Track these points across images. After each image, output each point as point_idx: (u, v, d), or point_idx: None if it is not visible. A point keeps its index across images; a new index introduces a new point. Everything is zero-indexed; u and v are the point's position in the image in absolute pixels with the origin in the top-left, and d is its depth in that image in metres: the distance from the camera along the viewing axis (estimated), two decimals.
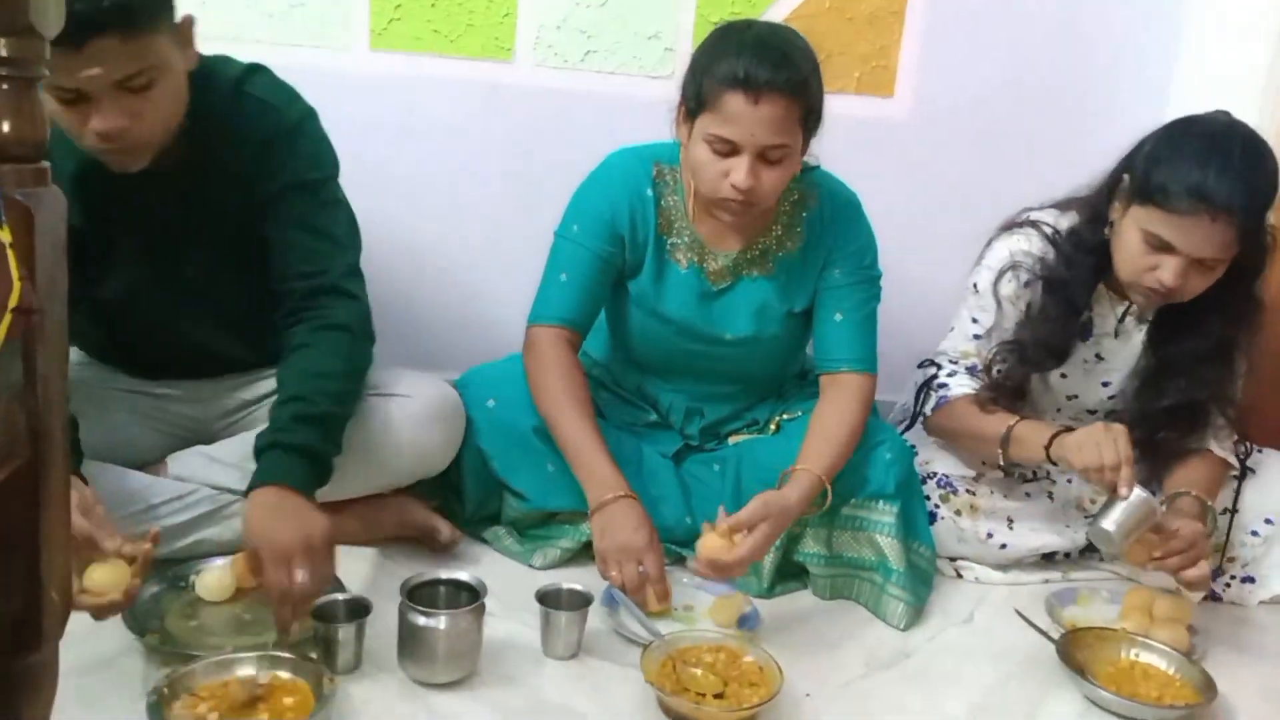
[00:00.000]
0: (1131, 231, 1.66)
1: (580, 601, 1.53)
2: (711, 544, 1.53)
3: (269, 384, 1.78)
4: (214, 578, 1.52)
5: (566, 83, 2.21)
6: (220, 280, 1.63)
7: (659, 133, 1.79)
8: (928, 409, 1.89)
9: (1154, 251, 1.64)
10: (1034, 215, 1.84)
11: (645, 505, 1.70)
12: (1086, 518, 1.92)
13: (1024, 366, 1.82)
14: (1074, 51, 2.31)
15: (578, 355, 1.76)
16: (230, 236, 1.59)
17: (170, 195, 1.54)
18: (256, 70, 1.59)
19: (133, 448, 1.67)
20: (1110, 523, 1.61)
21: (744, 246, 1.76)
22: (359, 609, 1.43)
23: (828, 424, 1.70)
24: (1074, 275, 1.76)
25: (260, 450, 1.45)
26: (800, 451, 1.66)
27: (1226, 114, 1.68)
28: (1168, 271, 1.62)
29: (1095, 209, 1.76)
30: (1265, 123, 2.03)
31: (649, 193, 1.75)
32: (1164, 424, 1.81)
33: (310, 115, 1.62)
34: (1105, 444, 1.61)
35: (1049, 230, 1.81)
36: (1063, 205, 1.84)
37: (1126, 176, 1.69)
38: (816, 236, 1.76)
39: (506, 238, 2.26)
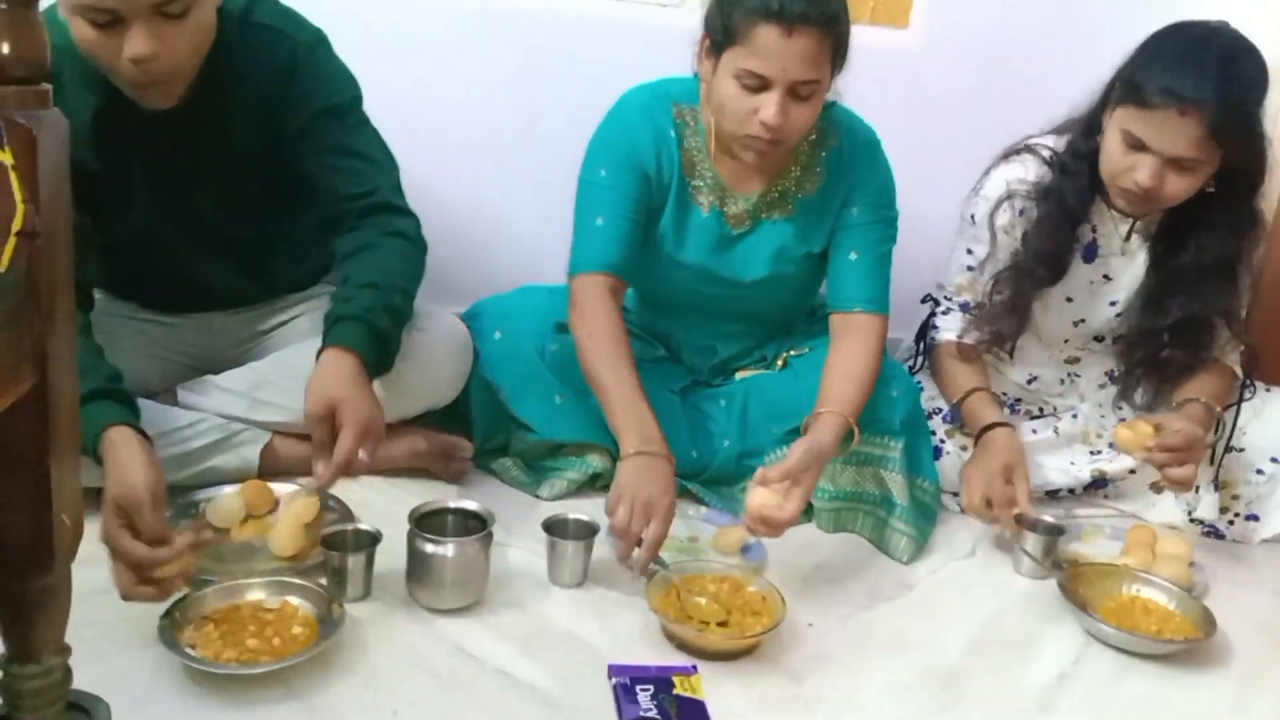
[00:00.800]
0: (1113, 132, 1.67)
1: (587, 531, 1.54)
2: (762, 499, 1.47)
3: (278, 316, 1.80)
4: (224, 504, 1.54)
5: (571, 6, 2.16)
6: (235, 217, 1.62)
7: (666, 62, 1.76)
8: (926, 346, 1.90)
9: (1131, 151, 1.65)
10: (1033, 141, 1.83)
11: None
12: (1092, 453, 1.93)
13: (1023, 282, 1.81)
14: None
15: (621, 304, 1.70)
16: (247, 172, 1.58)
17: (186, 133, 1.52)
18: (259, 0, 1.56)
19: (141, 376, 1.66)
20: (1025, 570, 1.70)
21: (764, 189, 1.74)
22: (368, 539, 1.45)
23: (847, 365, 1.67)
24: (1069, 183, 1.76)
25: (336, 318, 1.45)
26: (821, 394, 1.64)
27: (1222, 22, 1.67)
28: (1144, 171, 1.63)
29: (1090, 119, 1.76)
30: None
31: (672, 134, 1.71)
32: (1168, 341, 1.83)
33: (323, 39, 1.59)
34: (991, 489, 1.72)
35: (1046, 154, 1.80)
36: (1061, 128, 1.83)
37: (1115, 84, 1.70)
38: (835, 176, 1.74)
39: (510, 165, 2.23)
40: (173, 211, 1.59)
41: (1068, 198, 1.77)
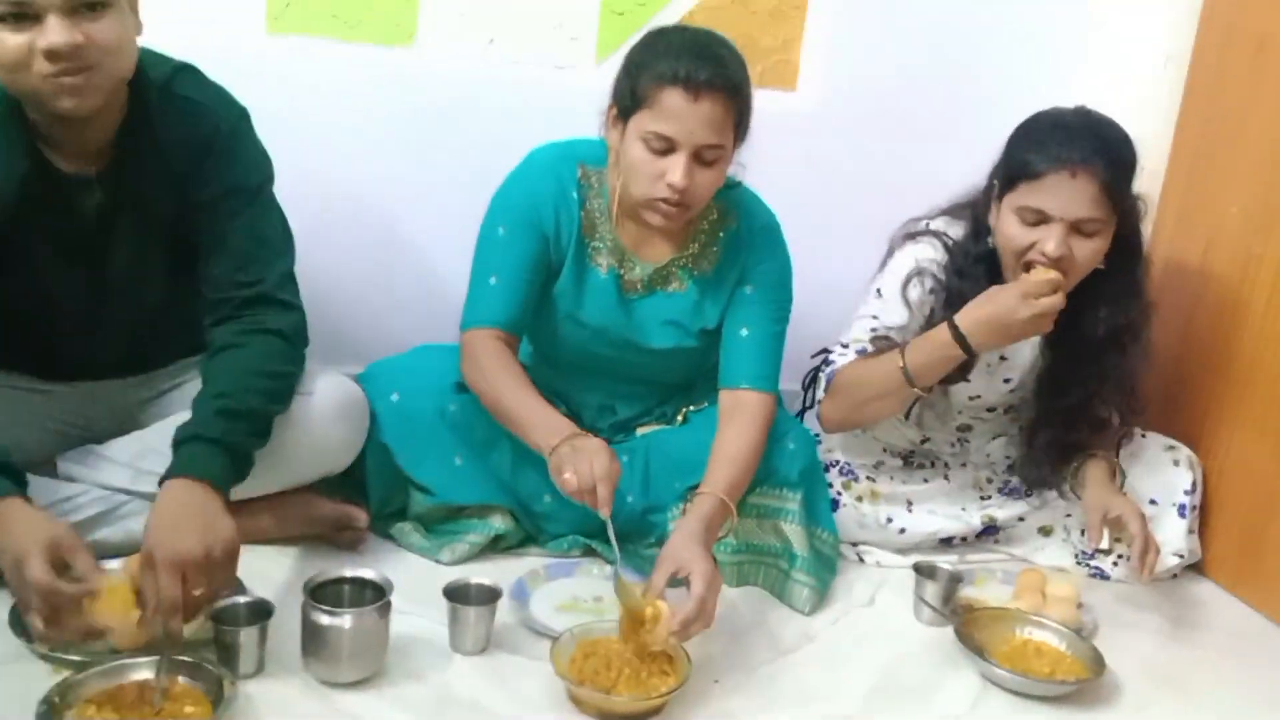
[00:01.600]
0: (1008, 219, 1.71)
1: (489, 596, 1.52)
2: (662, 627, 1.41)
3: (162, 383, 1.74)
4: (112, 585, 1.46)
5: (470, 70, 2.17)
6: (140, 284, 1.58)
7: (564, 122, 1.79)
8: (820, 394, 1.91)
9: (1032, 227, 1.68)
10: (930, 224, 1.86)
11: (555, 495, 1.72)
12: (982, 498, 1.98)
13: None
14: (976, 40, 2.37)
15: (514, 356, 1.72)
16: (156, 240, 1.55)
17: (98, 196, 1.49)
18: (185, 69, 1.54)
19: (19, 447, 1.57)
20: (925, 618, 1.73)
21: (663, 263, 1.76)
22: (261, 611, 1.40)
23: (730, 447, 1.67)
24: (967, 287, 1.77)
25: (180, 442, 1.41)
26: (705, 474, 1.65)
27: (1082, 106, 1.75)
28: (1050, 241, 1.66)
29: (977, 221, 1.80)
30: (1154, 135, 2.12)
31: (574, 194, 1.72)
32: (1070, 422, 1.87)
33: (244, 117, 1.58)
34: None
35: (947, 240, 1.83)
36: (952, 212, 1.87)
37: (995, 181, 1.75)
38: (732, 256, 1.76)
39: (410, 227, 2.22)
40: (76, 278, 1.54)
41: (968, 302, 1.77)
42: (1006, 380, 1.93)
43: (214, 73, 1.61)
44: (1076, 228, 1.66)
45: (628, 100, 1.58)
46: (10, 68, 1.34)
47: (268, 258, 1.58)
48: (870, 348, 1.85)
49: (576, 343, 1.81)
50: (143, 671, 1.29)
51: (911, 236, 1.87)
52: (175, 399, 1.72)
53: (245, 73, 1.69)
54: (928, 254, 1.83)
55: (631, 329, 1.79)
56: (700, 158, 1.56)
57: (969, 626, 1.65)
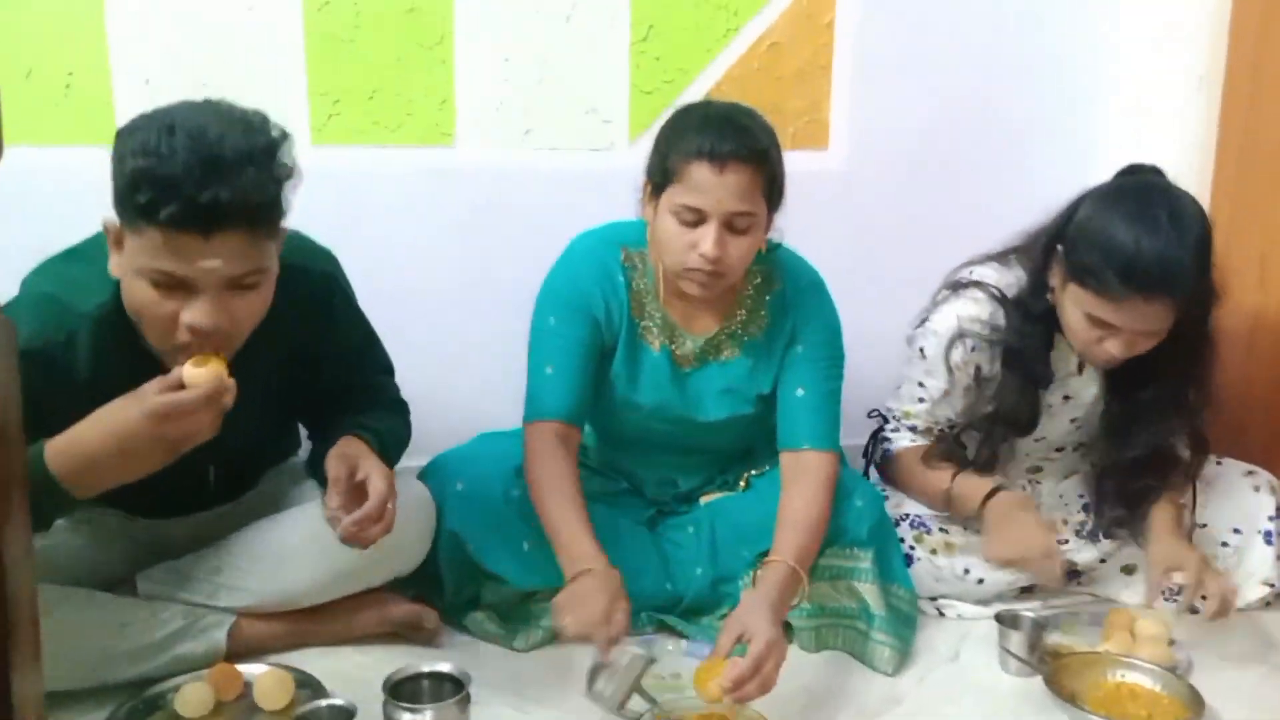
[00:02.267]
0: (1073, 309, 1.69)
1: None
2: (712, 676, 1.41)
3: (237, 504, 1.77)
4: (192, 692, 1.49)
5: (509, 162, 2.23)
6: (245, 432, 1.54)
7: (604, 204, 1.82)
8: (876, 459, 1.92)
9: (1097, 327, 1.67)
10: (976, 273, 1.85)
11: (625, 571, 1.69)
12: (1060, 543, 1.94)
13: (994, 435, 1.84)
14: (1001, 80, 2.37)
15: (575, 449, 1.72)
16: (259, 403, 1.51)
17: None
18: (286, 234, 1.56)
19: (100, 566, 1.63)
20: (1013, 669, 1.70)
21: (713, 333, 1.77)
22: (343, 714, 1.41)
23: (797, 512, 1.66)
24: (1028, 345, 1.77)
25: (346, 429, 1.54)
26: (774, 541, 1.63)
27: (1156, 173, 1.71)
28: (1114, 345, 1.66)
29: (1035, 277, 1.78)
30: (1191, 157, 2.11)
31: (620, 278, 1.75)
32: (1136, 471, 1.84)
33: (335, 261, 1.64)
34: (1025, 538, 1.73)
35: (995, 291, 1.82)
36: (1001, 258, 1.85)
37: (1060, 247, 1.71)
38: (780, 318, 1.77)
39: (461, 320, 2.27)
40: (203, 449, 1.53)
41: (1030, 361, 1.79)
42: (1073, 420, 1.90)
43: None
44: (1144, 332, 1.65)
45: (659, 177, 1.62)
46: (151, 326, 1.33)
47: (388, 376, 1.77)
48: (920, 424, 1.90)
49: (634, 421, 1.82)
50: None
51: (955, 289, 1.86)
52: (244, 511, 1.73)
53: (304, 182, 1.75)
54: (970, 311, 1.82)
55: (688, 404, 1.79)
56: (732, 226, 1.58)
57: (1059, 674, 1.61)
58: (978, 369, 1.82)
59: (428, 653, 1.70)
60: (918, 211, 2.35)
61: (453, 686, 1.43)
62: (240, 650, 1.62)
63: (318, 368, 1.61)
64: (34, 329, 1.35)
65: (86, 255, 1.41)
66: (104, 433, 1.26)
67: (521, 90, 2.21)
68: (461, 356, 2.26)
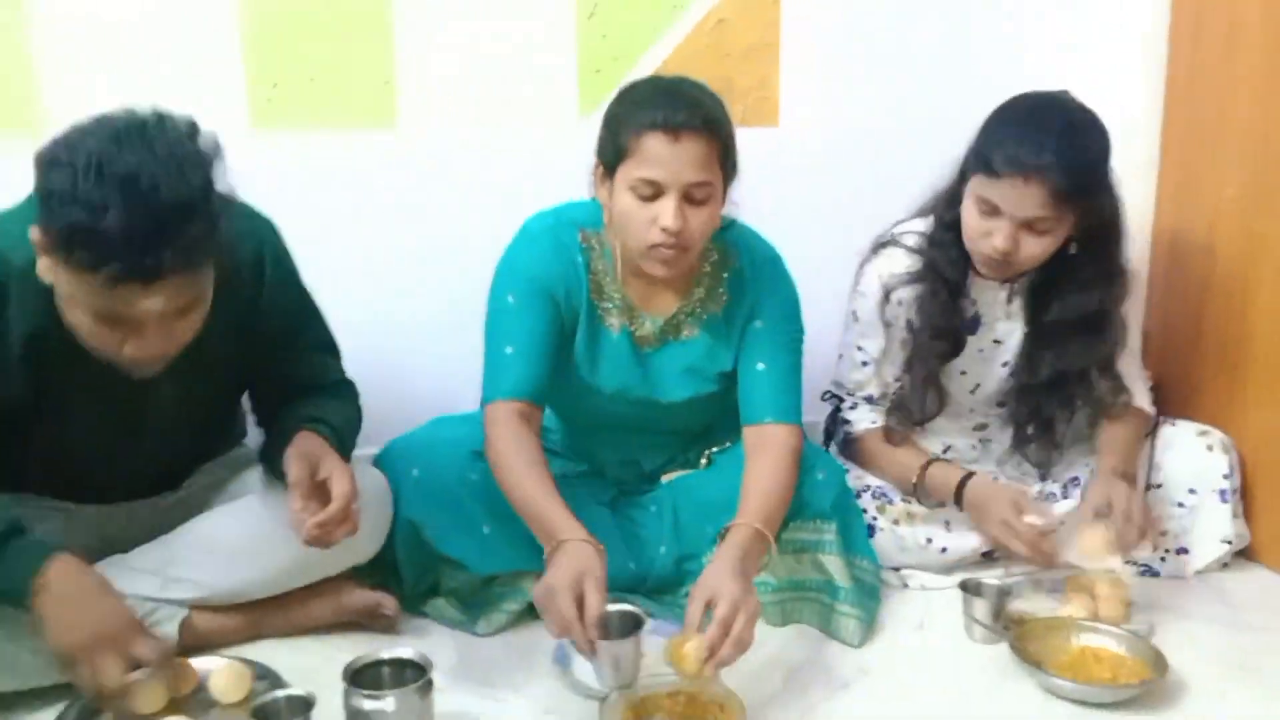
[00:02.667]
0: (969, 201, 1.76)
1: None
2: (694, 655, 1.37)
3: (184, 487, 1.72)
4: (146, 689, 1.43)
5: (454, 143, 2.19)
6: (175, 417, 1.56)
7: (554, 184, 1.79)
8: (838, 440, 1.94)
9: (986, 217, 1.73)
10: (900, 229, 1.91)
11: None
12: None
13: (928, 362, 1.87)
14: (951, 46, 2.38)
15: (538, 429, 1.69)
16: (201, 374, 1.51)
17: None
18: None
19: None
20: (978, 636, 1.72)
21: (672, 312, 1.75)
22: (301, 704, 1.36)
23: (762, 481, 1.63)
24: (942, 255, 1.84)
25: (300, 421, 1.53)
26: (738, 508, 1.60)
27: (1063, 91, 1.77)
28: (999, 235, 1.71)
29: (951, 192, 1.84)
30: (1138, 120, 2.13)
31: (579, 258, 1.72)
32: (1043, 397, 1.90)
33: (275, 229, 1.59)
34: (1008, 525, 1.77)
35: (912, 241, 1.88)
36: (924, 209, 1.91)
37: (970, 155, 1.79)
38: (739, 294, 1.75)
39: (410, 304, 2.22)
40: (114, 420, 1.51)
41: (944, 270, 1.84)
42: (1004, 364, 1.93)
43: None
44: (1028, 225, 1.70)
45: (610, 155, 1.59)
46: (91, 344, 1.32)
47: (333, 356, 1.72)
48: (875, 392, 1.94)
49: (596, 404, 1.79)
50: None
51: (875, 249, 1.91)
52: (192, 501, 1.70)
53: (231, 169, 1.70)
54: (887, 268, 1.88)
55: (649, 385, 1.77)
56: (690, 198, 1.56)
57: (1023, 640, 1.61)
58: (909, 323, 1.87)
59: (388, 640, 1.67)
60: (869, 186, 2.34)
61: (414, 672, 1.39)
62: (193, 644, 1.57)
63: (257, 338, 1.56)
64: None
65: (21, 214, 1.34)
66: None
67: (466, 70, 2.17)
68: (412, 341, 2.22)
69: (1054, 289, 1.82)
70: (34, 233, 1.25)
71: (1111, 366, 1.88)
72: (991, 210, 1.71)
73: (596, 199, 1.68)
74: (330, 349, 1.71)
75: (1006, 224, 1.70)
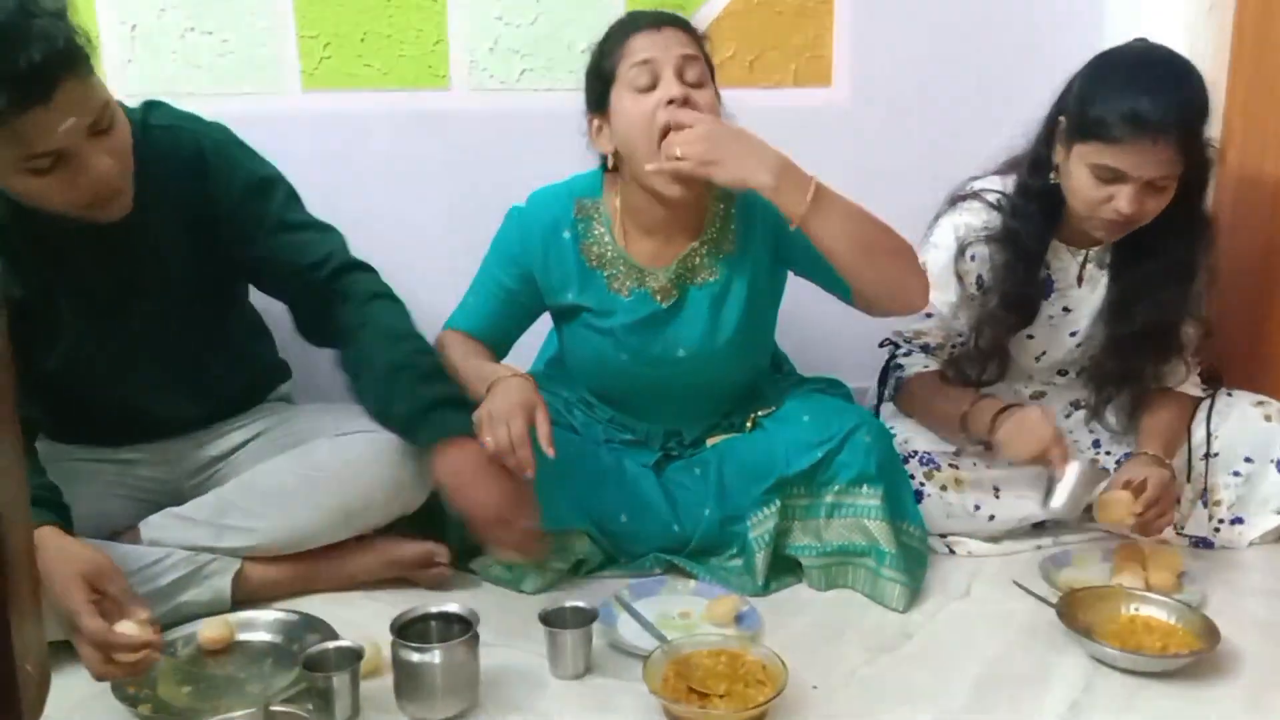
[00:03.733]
0: (1079, 169, 1.70)
1: (584, 619, 1.51)
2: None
3: (232, 439, 1.76)
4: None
5: (504, 103, 2.19)
6: (169, 329, 1.60)
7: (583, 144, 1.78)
8: (889, 393, 1.91)
9: (1106, 183, 1.68)
10: (978, 185, 1.86)
11: (631, 513, 1.74)
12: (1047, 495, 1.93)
13: (996, 329, 1.84)
14: (1005, 11, 2.31)
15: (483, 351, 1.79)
16: (177, 279, 1.56)
17: (112, 247, 1.50)
18: (151, 105, 1.57)
19: (103, 518, 1.62)
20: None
21: (682, 257, 1.74)
22: (351, 655, 1.40)
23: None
24: (1025, 226, 1.80)
25: (413, 414, 1.50)
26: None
27: (1143, 40, 1.74)
28: (1123, 199, 1.66)
29: (1036, 157, 1.79)
30: (1199, 48, 2.07)
31: (566, 235, 1.74)
32: (1136, 349, 1.85)
33: (225, 129, 1.61)
34: (1033, 431, 1.72)
35: (993, 198, 1.83)
36: (1004, 169, 1.86)
37: (1062, 119, 1.73)
38: (749, 225, 1.74)
39: (457, 264, 2.22)
40: (104, 333, 1.56)
41: (1025, 240, 1.80)
42: (1073, 334, 1.90)
43: (252, 132, 1.64)
44: (1150, 184, 1.66)
45: (599, 85, 1.66)
46: (51, 205, 1.38)
47: (322, 236, 1.62)
48: (933, 341, 1.89)
49: (629, 376, 1.80)
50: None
51: (953, 202, 1.87)
52: (246, 454, 1.74)
53: (284, 130, 1.72)
54: (965, 220, 1.84)
55: (666, 341, 1.77)
56: (681, 75, 1.59)
57: (1073, 608, 1.59)
58: (979, 278, 1.84)
59: (435, 595, 1.69)
60: (922, 145, 2.31)
61: (461, 627, 1.42)
62: (245, 598, 1.61)
63: (220, 230, 1.56)
64: None
65: None
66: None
67: (516, 30, 2.16)
68: (454, 299, 2.23)
69: (1143, 242, 1.77)
70: None
71: (1202, 316, 1.85)
72: (1113, 176, 1.66)
73: (600, 168, 1.71)
74: (317, 225, 1.65)
75: (1130, 187, 1.66)
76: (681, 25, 1.64)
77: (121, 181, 1.41)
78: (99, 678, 1.29)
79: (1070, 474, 1.70)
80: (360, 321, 1.55)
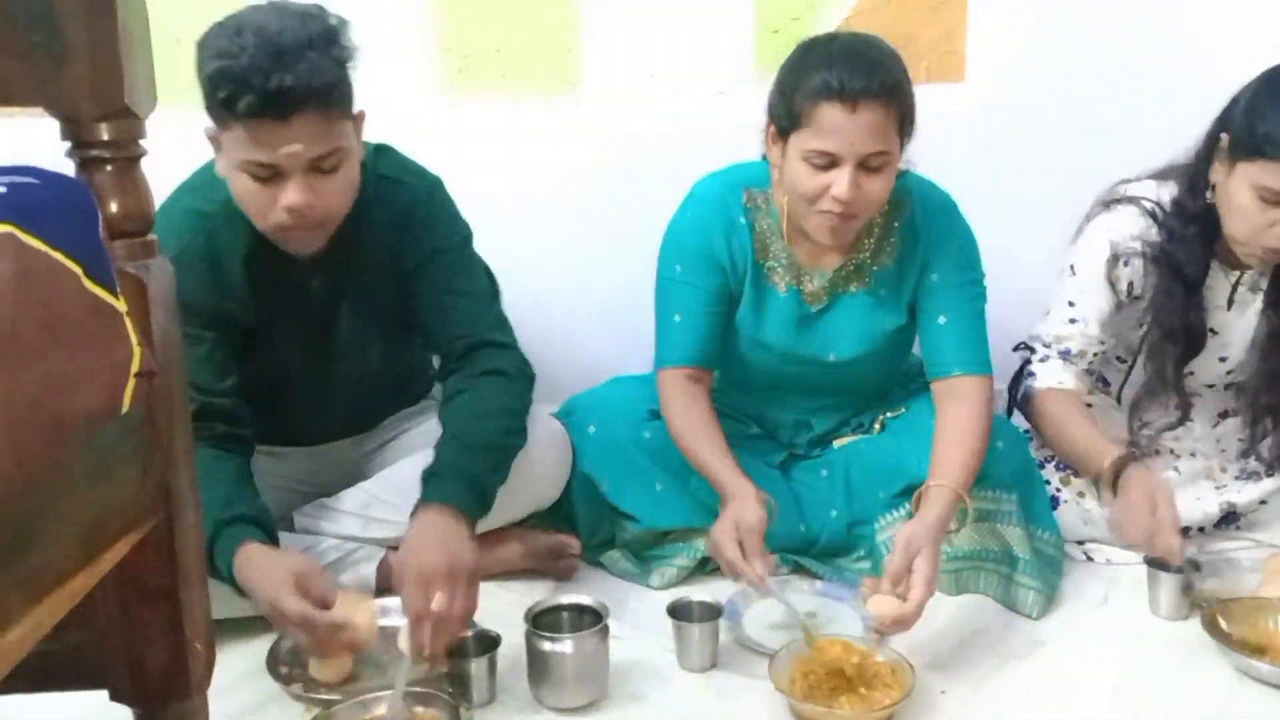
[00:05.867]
0: (1241, 190, 1.60)
1: (711, 613, 1.54)
2: (884, 605, 1.43)
3: (383, 436, 1.86)
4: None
5: (634, 106, 2.23)
6: (368, 350, 1.71)
7: (730, 146, 1.79)
8: (1020, 397, 1.87)
9: (1271, 206, 1.57)
10: (1131, 189, 1.78)
11: None
12: (1218, 488, 1.84)
13: (1163, 360, 1.76)
14: (1152, 10, 2.24)
15: (708, 386, 1.76)
16: (376, 311, 1.67)
17: (329, 278, 1.62)
18: (382, 150, 1.66)
19: None
20: (1161, 612, 1.65)
21: (840, 264, 1.73)
22: (489, 642, 1.46)
23: (953, 432, 1.61)
24: (1183, 249, 1.70)
25: (425, 478, 1.49)
26: (930, 466, 1.59)
27: None
28: None
29: (1194, 176, 1.70)
30: None
31: (742, 220, 1.72)
32: None
33: (437, 185, 1.69)
34: (1138, 521, 1.61)
35: (1149, 205, 1.74)
36: (1161, 175, 1.77)
37: (1225, 136, 1.63)
38: (911, 244, 1.71)
39: (594, 269, 2.29)
40: (310, 353, 1.68)
41: (1184, 267, 1.71)
42: (1222, 359, 1.81)
43: (395, 143, 1.71)
44: None
45: (784, 119, 1.56)
46: (255, 213, 1.48)
47: (476, 308, 1.67)
48: (1074, 348, 1.81)
49: (764, 365, 1.81)
50: (383, 706, 1.35)
51: (1107, 205, 1.79)
52: (396, 449, 1.83)
53: (425, 140, 1.79)
54: (1120, 225, 1.75)
55: (817, 344, 1.77)
56: (866, 165, 1.53)
57: (1220, 619, 1.54)
58: (1130, 285, 1.75)
59: (567, 587, 1.75)
60: (1059, 146, 2.24)
61: (592, 618, 1.46)
62: (388, 585, 1.68)
63: (408, 278, 1.65)
64: (176, 237, 1.50)
65: (199, 175, 1.59)
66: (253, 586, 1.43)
67: (646, 33, 2.20)
68: (593, 301, 2.28)
69: None
70: (206, 131, 1.44)
71: None
72: (1278, 199, 1.57)
73: (767, 158, 1.67)
74: (477, 300, 1.69)
75: None
76: (882, 100, 1.49)
77: (320, 220, 1.48)
78: (322, 677, 1.44)
79: (1167, 585, 1.63)
80: (459, 390, 1.60)
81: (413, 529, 1.42)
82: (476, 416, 1.56)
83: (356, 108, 1.49)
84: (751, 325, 1.76)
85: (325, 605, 1.39)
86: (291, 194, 1.42)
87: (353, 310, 1.66)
